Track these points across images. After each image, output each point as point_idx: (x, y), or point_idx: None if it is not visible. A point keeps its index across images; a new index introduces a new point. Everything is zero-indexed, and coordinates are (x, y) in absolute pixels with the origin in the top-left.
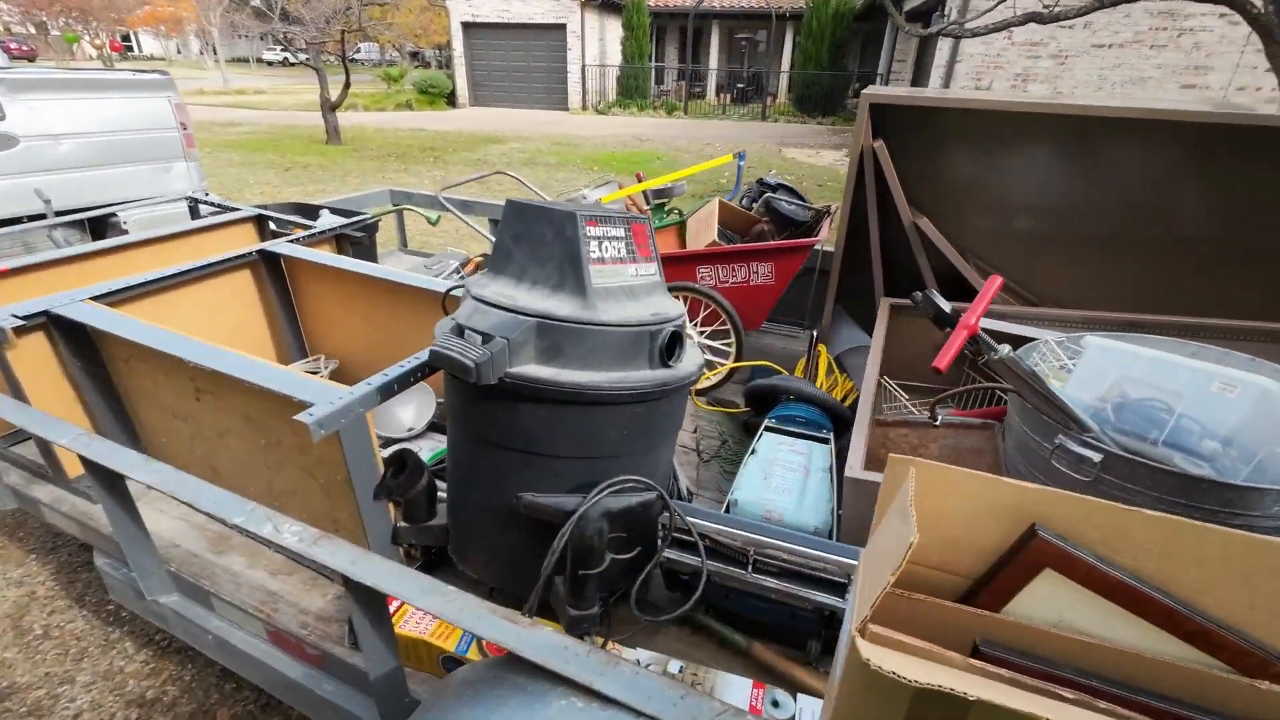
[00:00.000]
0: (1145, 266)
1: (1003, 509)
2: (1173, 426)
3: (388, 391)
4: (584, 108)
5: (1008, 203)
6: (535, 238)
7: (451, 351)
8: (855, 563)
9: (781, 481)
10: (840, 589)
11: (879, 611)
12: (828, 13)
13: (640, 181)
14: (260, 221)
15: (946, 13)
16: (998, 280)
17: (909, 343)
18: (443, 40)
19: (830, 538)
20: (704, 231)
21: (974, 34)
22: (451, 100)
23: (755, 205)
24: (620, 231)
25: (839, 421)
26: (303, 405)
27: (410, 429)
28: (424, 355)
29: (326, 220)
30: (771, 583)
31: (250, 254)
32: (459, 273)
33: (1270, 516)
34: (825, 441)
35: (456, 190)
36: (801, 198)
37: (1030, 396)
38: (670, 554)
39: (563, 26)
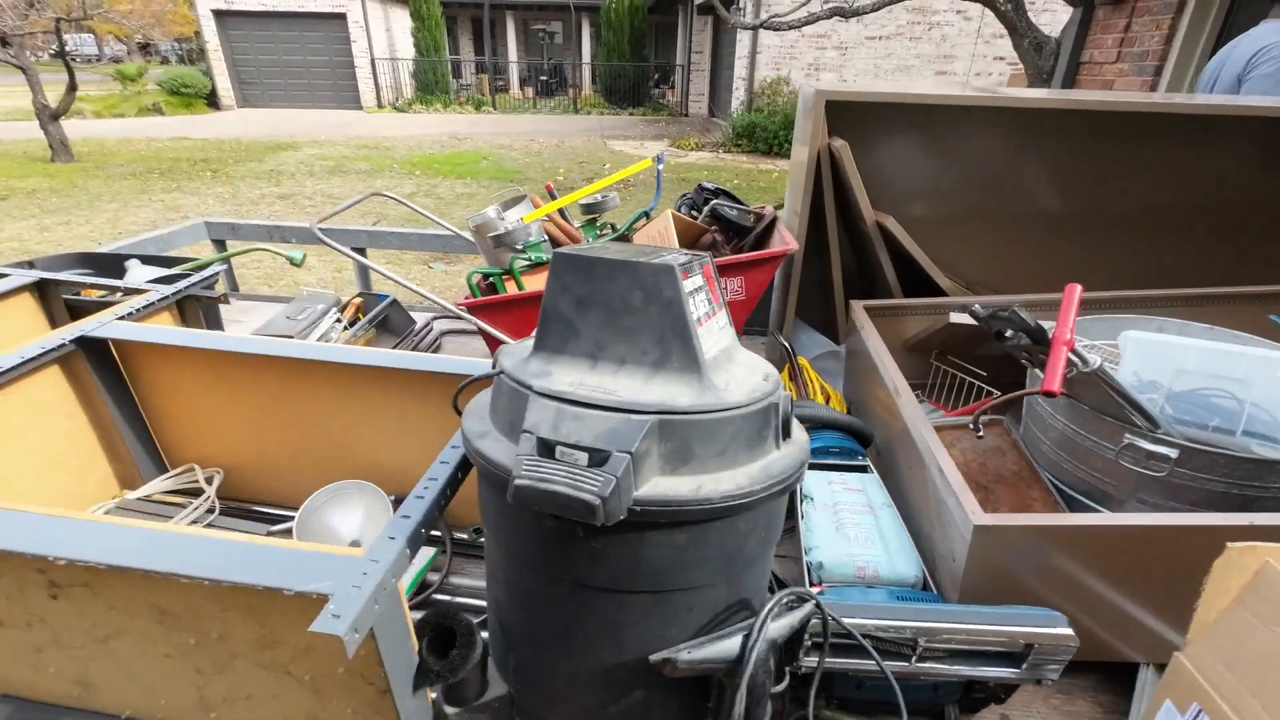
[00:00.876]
0: (1057, 244)
1: None
2: (1245, 420)
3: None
4: (380, 105)
5: (944, 194)
6: (614, 302)
7: (559, 487)
8: (1028, 629)
9: (856, 530)
10: (1005, 658)
11: None
12: (625, 4)
13: (552, 194)
14: (42, 288)
15: (741, 7)
16: (1077, 289)
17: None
18: (186, 31)
19: (925, 586)
20: (661, 245)
21: (790, 26)
22: (213, 101)
23: (692, 212)
24: (700, 280)
25: (861, 439)
26: (272, 592)
27: (354, 541)
28: (444, 470)
29: (139, 274)
30: (942, 666)
31: (62, 345)
32: (339, 320)
33: None
34: (866, 469)
35: (333, 220)
36: (740, 202)
37: (1108, 402)
38: (830, 661)
39: (343, 16)
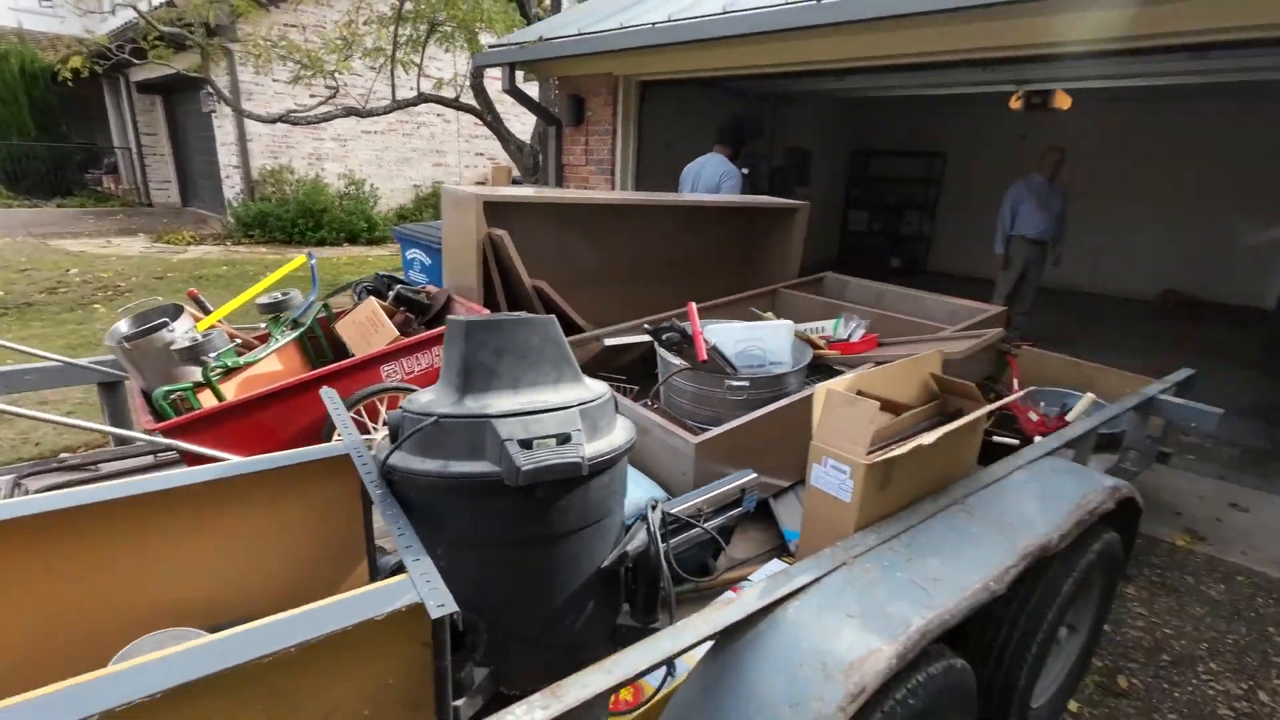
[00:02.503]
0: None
1: (848, 386)
2: (770, 359)
3: None
4: None
5: (571, 261)
6: (522, 346)
7: (554, 460)
8: (741, 482)
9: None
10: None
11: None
12: (14, 69)
13: (198, 300)
14: None
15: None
16: (694, 305)
17: None
18: None
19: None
20: (373, 332)
21: (309, 122)
22: None
23: (366, 298)
24: None
25: None
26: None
27: None
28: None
29: None
30: (717, 521)
31: None
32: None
33: (804, 383)
34: None
35: None
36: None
37: (715, 366)
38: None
39: None
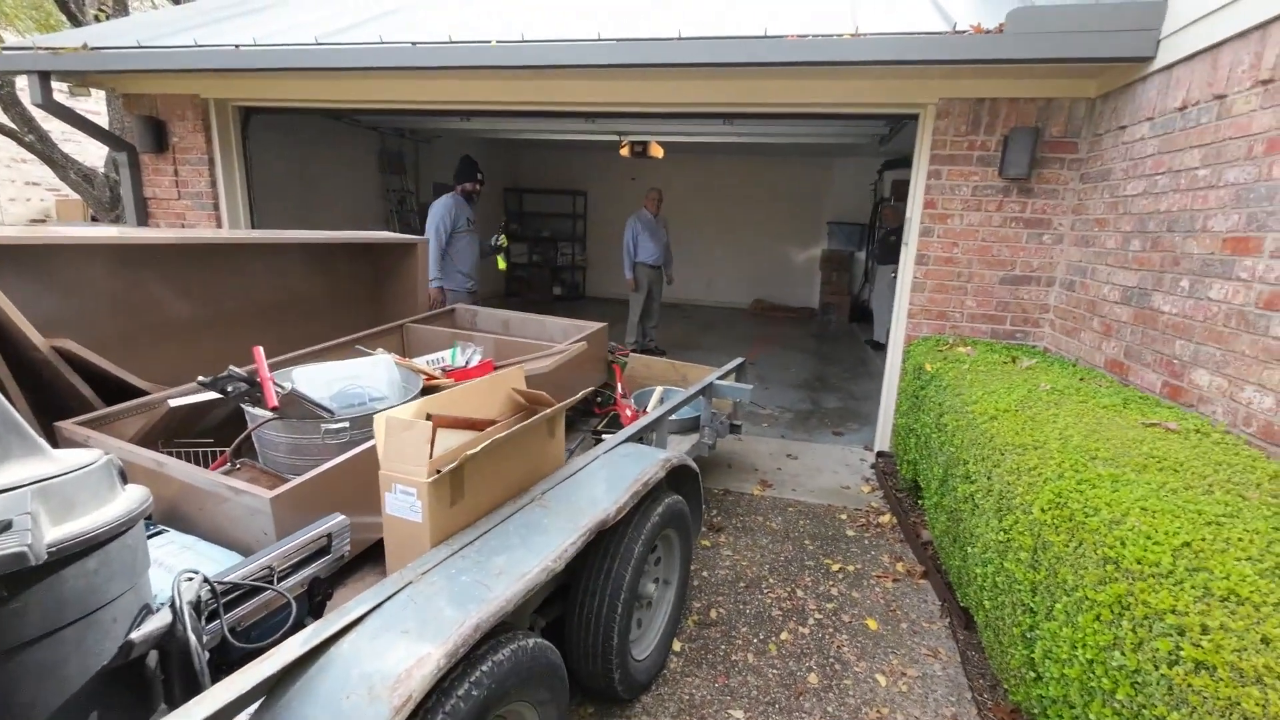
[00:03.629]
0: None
1: (415, 412)
2: (371, 396)
3: None
4: None
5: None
6: None
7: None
8: (322, 529)
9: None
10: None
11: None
12: None
13: None
14: None
15: None
16: (260, 349)
17: None
18: None
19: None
20: None
21: None
22: None
23: None
24: None
25: None
26: None
27: None
28: None
29: None
30: (294, 578)
31: None
32: None
33: None
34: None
35: None
36: None
37: (306, 411)
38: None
39: None
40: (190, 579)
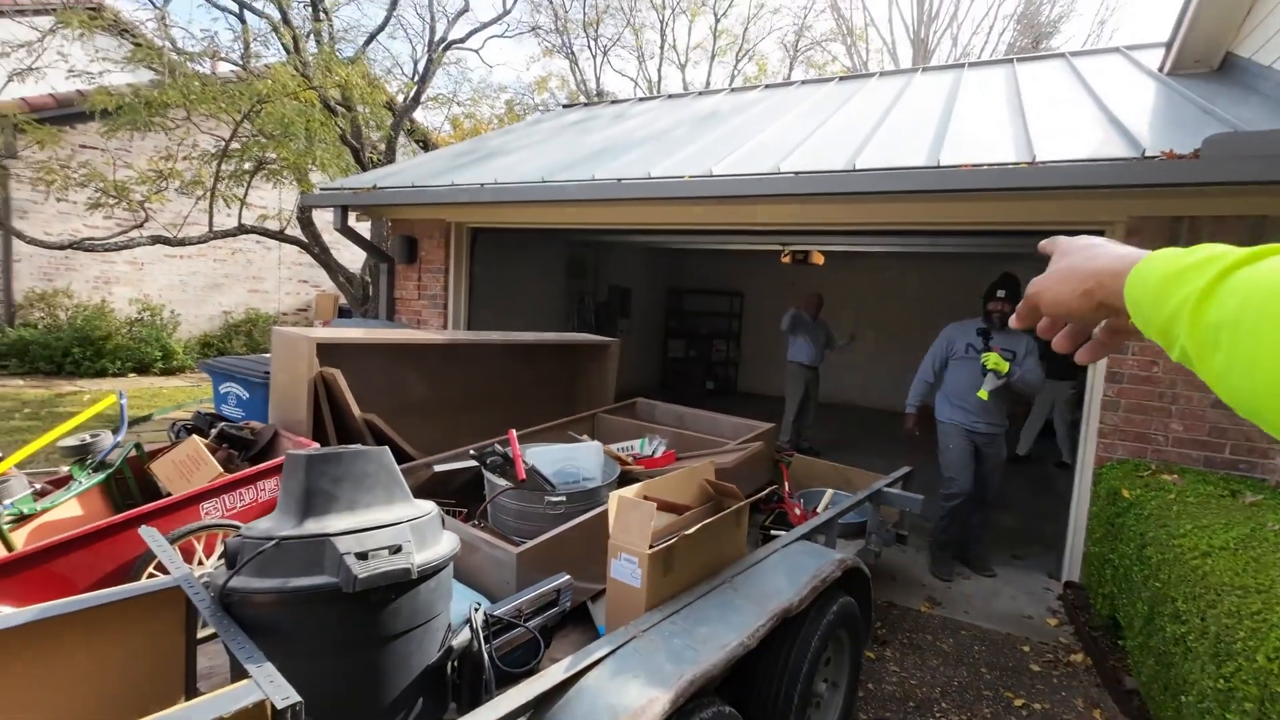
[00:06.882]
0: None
1: (636, 493)
2: (583, 475)
3: None
4: None
5: (401, 393)
6: (358, 474)
7: (386, 567)
8: (553, 585)
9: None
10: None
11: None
12: None
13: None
14: None
15: None
16: (514, 432)
17: None
18: None
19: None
20: (195, 470)
21: (107, 249)
22: None
23: (187, 437)
24: None
25: None
26: None
27: None
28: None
29: None
30: (537, 620)
31: None
32: None
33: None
34: None
35: None
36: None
37: (535, 484)
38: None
39: None
40: (478, 608)
